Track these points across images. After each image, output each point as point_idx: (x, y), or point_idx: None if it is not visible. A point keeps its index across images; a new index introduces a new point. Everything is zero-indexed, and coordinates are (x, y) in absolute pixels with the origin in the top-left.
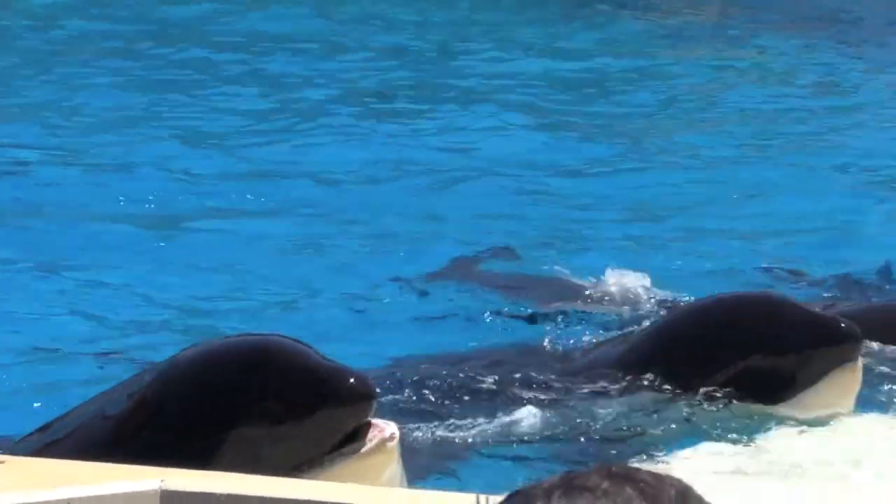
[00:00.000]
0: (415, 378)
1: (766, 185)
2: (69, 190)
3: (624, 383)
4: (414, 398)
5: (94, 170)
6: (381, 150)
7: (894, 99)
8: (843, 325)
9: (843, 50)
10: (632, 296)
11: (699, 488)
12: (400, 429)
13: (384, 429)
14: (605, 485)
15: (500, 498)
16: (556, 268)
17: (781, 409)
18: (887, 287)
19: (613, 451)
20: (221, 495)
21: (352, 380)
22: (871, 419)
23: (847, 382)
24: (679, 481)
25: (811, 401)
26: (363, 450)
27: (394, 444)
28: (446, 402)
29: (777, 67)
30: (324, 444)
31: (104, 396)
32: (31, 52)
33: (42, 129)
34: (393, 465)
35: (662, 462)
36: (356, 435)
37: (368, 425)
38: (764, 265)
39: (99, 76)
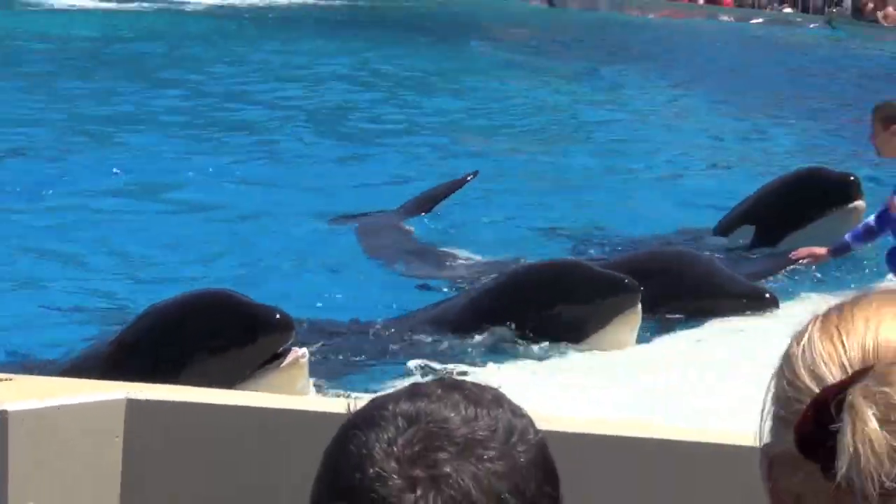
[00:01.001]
0: (322, 323)
1: (564, 175)
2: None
3: (465, 326)
4: (320, 338)
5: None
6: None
7: (656, 111)
8: (626, 280)
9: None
10: (475, 264)
11: (511, 396)
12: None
13: (298, 351)
14: (439, 391)
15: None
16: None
17: (581, 346)
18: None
19: (451, 373)
20: (179, 403)
21: (278, 315)
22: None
23: (630, 322)
24: (496, 389)
25: (604, 338)
26: (283, 365)
27: (304, 361)
28: (342, 340)
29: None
30: (257, 362)
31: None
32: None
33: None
34: (303, 378)
35: (485, 378)
36: (279, 356)
37: (287, 351)
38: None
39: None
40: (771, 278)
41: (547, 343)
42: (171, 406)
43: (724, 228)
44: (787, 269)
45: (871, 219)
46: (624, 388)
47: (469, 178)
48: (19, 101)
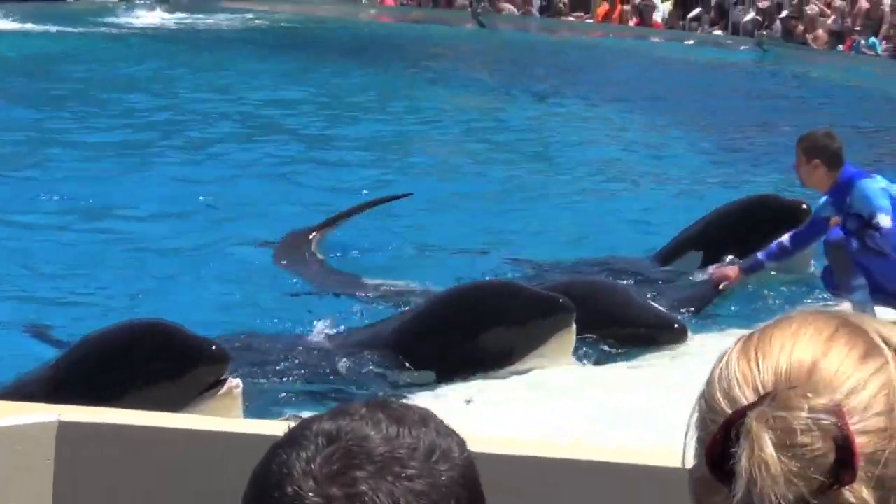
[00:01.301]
0: (254, 348)
1: (493, 195)
2: None
3: (399, 348)
4: (252, 362)
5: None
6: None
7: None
8: (561, 300)
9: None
10: (401, 288)
11: (439, 413)
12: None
13: (233, 382)
14: (363, 411)
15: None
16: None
17: (518, 366)
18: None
19: (389, 395)
20: (112, 425)
21: (214, 347)
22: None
23: (565, 342)
24: (423, 409)
25: (540, 357)
26: (218, 394)
27: (238, 391)
28: (274, 366)
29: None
30: (194, 391)
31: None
32: None
33: None
34: (238, 406)
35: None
36: (215, 384)
37: (224, 380)
38: (498, 256)
39: None
40: (702, 306)
41: (483, 363)
42: (104, 428)
43: (668, 255)
44: (715, 295)
45: (786, 238)
46: (593, 406)
47: (401, 196)
48: None
